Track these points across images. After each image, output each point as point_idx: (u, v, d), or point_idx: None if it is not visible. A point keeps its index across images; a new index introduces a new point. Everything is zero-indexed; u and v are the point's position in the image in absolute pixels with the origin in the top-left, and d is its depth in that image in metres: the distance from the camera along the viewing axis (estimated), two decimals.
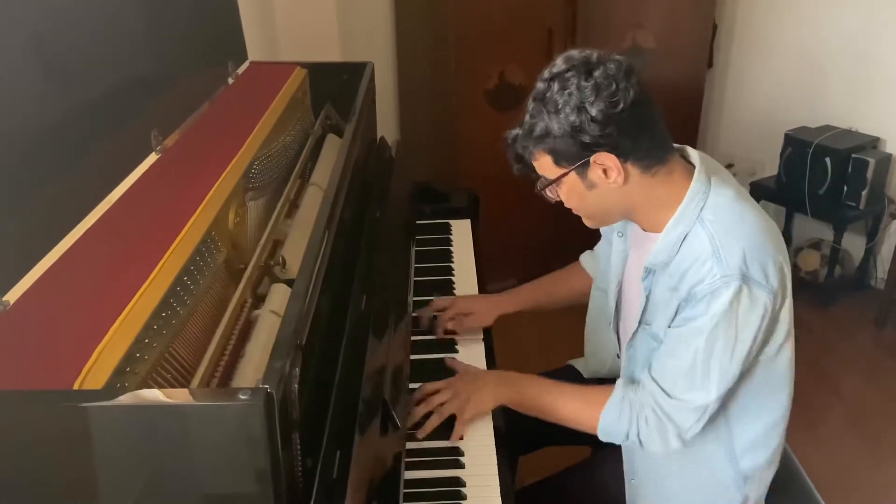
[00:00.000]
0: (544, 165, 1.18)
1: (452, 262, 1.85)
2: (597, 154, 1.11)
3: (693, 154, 1.23)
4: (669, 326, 1.18)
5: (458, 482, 1.21)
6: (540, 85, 1.14)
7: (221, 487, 0.76)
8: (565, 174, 1.16)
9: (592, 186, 1.16)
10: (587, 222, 1.30)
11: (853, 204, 2.99)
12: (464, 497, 1.18)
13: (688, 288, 1.13)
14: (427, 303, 1.66)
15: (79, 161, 1.07)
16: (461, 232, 1.99)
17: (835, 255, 3.08)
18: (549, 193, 1.21)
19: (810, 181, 3.05)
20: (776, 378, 1.23)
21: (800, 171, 3.08)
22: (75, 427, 0.71)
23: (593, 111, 1.08)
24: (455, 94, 2.81)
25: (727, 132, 3.62)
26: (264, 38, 2.43)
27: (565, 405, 1.27)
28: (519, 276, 2.98)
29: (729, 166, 3.60)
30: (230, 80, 1.74)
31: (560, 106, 1.09)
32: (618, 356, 1.48)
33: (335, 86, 1.91)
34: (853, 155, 2.96)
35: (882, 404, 2.60)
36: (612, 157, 1.11)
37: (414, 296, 1.66)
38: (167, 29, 1.42)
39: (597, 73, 1.08)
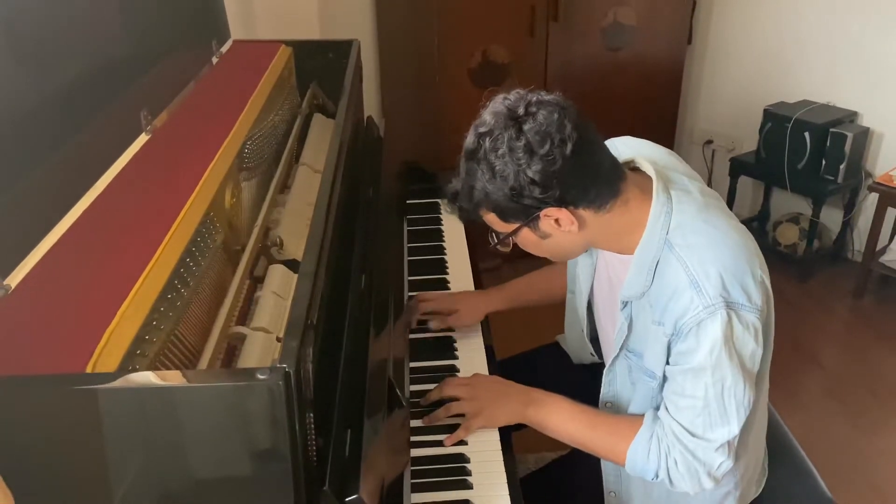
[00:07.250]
0: (492, 221, 1.12)
1: (444, 241, 1.84)
2: (544, 209, 1.06)
3: (645, 166, 1.16)
4: (668, 364, 1.13)
5: (463, 458, 1.21)
6: (469, 141, 1.06)
7: (240, 468, 0.75)
8: (517, 230, 1.10)
9: (547, 236, 1.11)
10: (551, 260, 1.24)
11: (831, 178, 3.03)
12: (468, 473, 1.19)
13: (672, 322, 1.08)
14: (422, 283, 1.64)
15: (70, 140, 1.04)
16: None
17: (813, 229, 3.13)
18: (504, 245, 1.15)
19: (789, 156, 3.08)
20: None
21: (779, 146, 3.11)
22: (88, 412, 0.70)
23: (530, 174, 1.01)
24: (438, 72, 2.79)
25: (706, 108, 3.63)
26: (242, 15, 2.38)
27: (592, 439, 1.21)
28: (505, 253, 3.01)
29: (708, 143, 3.64)
30: (215, 60, 1.71)
31: (496, 169, 1.02)
32: (592, 354, 1.45)
33: (319, 64, 1.88)
34: (831, 129, 2.99)
35: (861, 373, 2.65)
36: (562, 209, 1.06)
37: (409, 275, 1.65)
38: (148, 6, 1.38)
39: (527, 128, 1.01)
